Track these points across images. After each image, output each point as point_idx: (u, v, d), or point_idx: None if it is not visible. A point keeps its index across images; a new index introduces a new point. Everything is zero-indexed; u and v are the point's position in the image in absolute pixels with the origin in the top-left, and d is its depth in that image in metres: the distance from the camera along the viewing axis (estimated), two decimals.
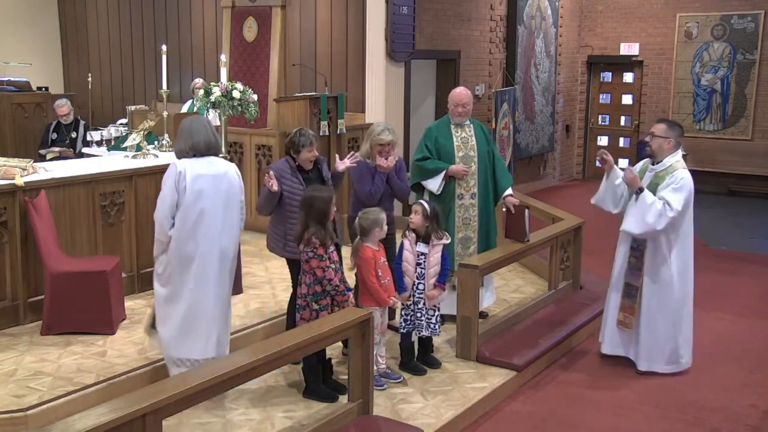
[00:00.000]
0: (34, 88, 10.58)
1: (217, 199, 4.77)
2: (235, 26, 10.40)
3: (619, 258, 5.89)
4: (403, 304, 5.41)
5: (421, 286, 5.36)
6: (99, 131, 9.06)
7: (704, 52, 13.23)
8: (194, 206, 4.70)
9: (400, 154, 6.43)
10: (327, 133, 8.39)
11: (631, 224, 5.58)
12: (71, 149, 9.06)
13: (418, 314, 5.39)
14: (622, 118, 14.40)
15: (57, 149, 9.04)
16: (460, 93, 6.28)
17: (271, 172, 5.20)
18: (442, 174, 6.13)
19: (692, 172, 5.69)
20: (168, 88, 7.28)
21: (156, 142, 7.44)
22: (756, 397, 5.49)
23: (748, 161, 13.04)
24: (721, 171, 13.12)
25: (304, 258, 4.78)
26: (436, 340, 5.77)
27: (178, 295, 4.79)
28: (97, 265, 5.69)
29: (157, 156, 6.85)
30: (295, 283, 5.20)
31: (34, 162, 6.15)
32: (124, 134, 8.60)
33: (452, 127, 6.28)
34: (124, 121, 9.30)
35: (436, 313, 5.44)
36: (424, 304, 5.38)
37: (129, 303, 6.08)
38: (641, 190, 5.55)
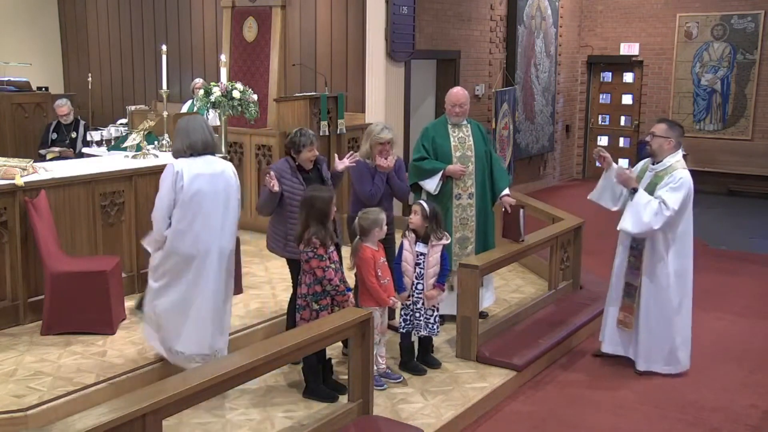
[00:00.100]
0: (34, 88, 10.58)
1: (215, 198, 4.81)
2: (235, 26, 10.40)
3: (619, 257, 5.89)
4: (402, 304, 5.41)
5: (420, 286, 5.36)
6: (99, 131, 9.05)
7: (704, 52, 13.23)
8: (192, 205, 4.73)
9: (400, 155, 6.44)
10: (327, 133, 8.39)
11: (628, 223, 5.58)
12: (71, 149, 9.06)
13: (417, 314, 5.39)
14: (622, 118, 14.40)
15: (57, 149, 9.04)
16: (457, 93, 6.28)
17: (272, 173, 5.20)
18: (440, 174, 6.14)
19: (692, 172, 5.69)
20: (168, 88, 7.28)
21: (156, 142, 7.44)
22: (756, 397, 5.49)
23: (748, 161, 13.04)
24: (721, 171, 13.12)
25: (304, 258, 4.79)
26: (436, 340, 5.77)
27: (172, 292, 4.85)
28: (97, 265, 5.69)
29: (157, 156, 6.85)
30: (296, 284, 5.20)
31: (34, 162, 6.15)
32: (124, 134, 8.59)
33: (449, 127, 6.29)
34: (124, 121, 9.30)
35: (435, 313, 5.44)
36: (423, 304, 5.38)
37: (129, 303, 6.08)
38: (635, 189, 5.56)
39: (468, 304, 5.74)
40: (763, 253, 9.47)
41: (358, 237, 5.14)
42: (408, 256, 5.37)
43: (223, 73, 7.68)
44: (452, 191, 6.23)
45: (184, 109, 9.33)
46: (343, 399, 4.83)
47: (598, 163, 5.76)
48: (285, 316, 5.68)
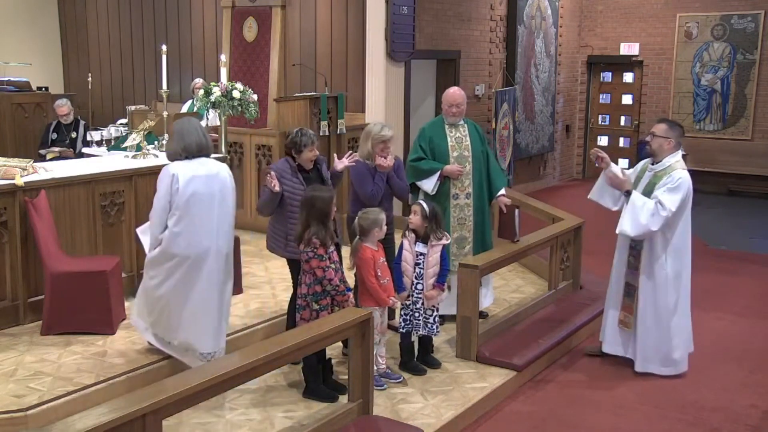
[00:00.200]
0: (34, 88, 10.58)
1: (210, 200, 4.87)
2: (235, 26, 10.40)
3: (618, 257, 5.90)
4: (402, 304, 5.41)
5: (420, 286, 5.36)
6: (99, 131, 9.06)
7: (704, 52, 13.23)
8: (187, 207, 4.80)
9: (399, 155, 6.44)
10: (327, 133, 8.39)
11: (626, 226, 5.58)
12: (71, 149, 9.06)
13: (416, 314, 5.39)
14: (622, 118, 14.40)
15: (57, 149, 9.05)
16: (454, 93, 6.29)
17: (273, 173, 5.20)
18: (437, 174, 6.15)
19: (692, 172, 5.68)
20: (168, 88, 7.28)
21: (156, 142, 7.45)
22: (756, 397, 5.49)
23: (748, 161, 13.04)
24: (721, 171, 13.12)
25: (304, 258, 4.79)
26: (436, 340, 5.77)
27: (167, 290, 4.93)
28: (97, 265, 5.69)
29: (157, 156, 6.85)
30: (296, 284, 5.21)
31: (34, 162, 6.15)
32: (124, 134, 8.60)
33: (446, 127, 6.30)
34: (124, 121, 9.30)
35: (435, 313, 5.44)
36: (422, 304, 5.38)
37: (129, 303, 6.07)
38: (629, 192, 5.56)
39: (468, 304, 5.74)
40: (763, 253, 9.46)
41: (357, 237, 5.14)
42: (408, 256, 5.37)
43: (223, 73, 7.68)
44: (450, 191, 6.24)
45: (184, 109, 9.33)
46: (343, 399, 4.83)
47: (597, 163, 5.76)
48: (285, 316, 5.68)
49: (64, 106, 9.17)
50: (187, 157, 4.89)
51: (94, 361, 5.16)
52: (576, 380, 5.75)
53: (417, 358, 5.57)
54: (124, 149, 7.41)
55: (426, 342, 5.62)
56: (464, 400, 5.10)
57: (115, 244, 6.34)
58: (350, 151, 6.12)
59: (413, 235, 5.40)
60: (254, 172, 8.76)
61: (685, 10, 13.31)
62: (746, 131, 13.09)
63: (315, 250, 4.73)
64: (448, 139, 6.26)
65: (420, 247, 5.37)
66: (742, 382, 5.75)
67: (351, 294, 4.91)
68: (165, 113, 7.32)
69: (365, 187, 5.65)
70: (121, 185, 6.34)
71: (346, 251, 5.30)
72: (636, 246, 5.73)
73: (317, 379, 4.97)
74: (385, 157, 5.65)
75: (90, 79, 11.37)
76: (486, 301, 6.45)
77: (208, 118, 9.06)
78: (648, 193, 5.57)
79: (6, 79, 10.16)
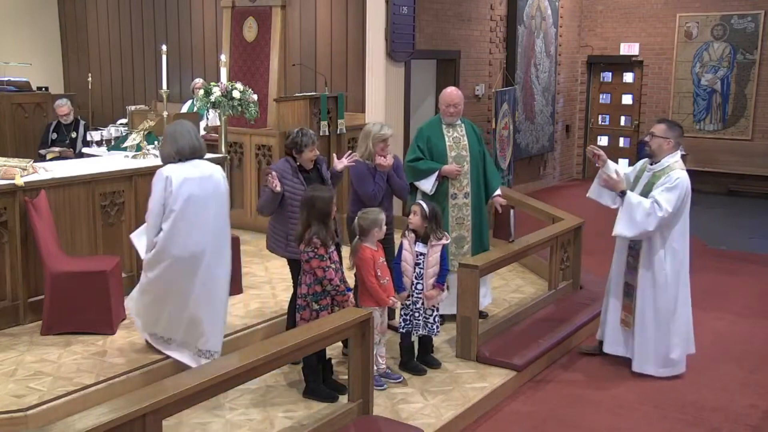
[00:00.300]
0: (34, 88, 10.57)
1: (204, 202, 4.92)
2: (235, 26, 10.39)
3: (617, 257, 5.90)
4: (402, 304, 5.41)
5: (420, 286, 5.36)
6: (99, 131, 9.06)
7: (704, 52, 13.23)
8: (182, 209, 4.85)
9: (400, 155, 6.44)
10: (327, 133, 8.39)
11: (622, 227, 5.58)
12: (71, 149, 9.06)
13: (416, 314, 5.39)
14: (622, 118, 14.40)
15: (57, 149, 9.05)
16: (451, 93, 6.30)
17: (274, 173, 5.21)
18: (436, 174, 6.16)
19: (692, 172, 5.68)
20: (168, 88, 7.28)
21: (156, 142, 7.44)
22: (756, 397, 5.49)
23: (748, 161, 13.04)
24: (721, 171, 13.11)
25: (304, 258, 4.79)
26: (436, 340, 5.77)
27: (162, 289, 5.00)
28: (97, 265, 5.69)
29: (157, 156, 6.84)
30: (296, 284, 5.21)
31: (34, 162, 6.15)
32: (124, 134, 8.60)
33: (444, 127, 6.30)
34: (124, 121, 9.30)
35: (435, 313, 5.44)
36: (422, 303, 5.38)
37: (127, 300, 6.07)
38: (624, 193, 5.57)
39: (468, 304, 5.74)
40: (763, 253, 9.46)
41: (357, 237, 5.14)
42: (407, 256, 5.37)
43: (223, 73, 7.67)
44: (448, 191, 6.25)
45: (184, 109, 9.33)
46: (343, 399, 4.83)
47: (597, 163, 5.77)
48: (285, 316, 5.68)
49: (64, 106, 9.18)
50: (180, 160, 4.94)
51: (94, 361, 5.16)
52: (576, 380, 5.75)
53: (417, 358, 5.57)
54: (124, 149, 7.41)
55: (426, 342, 5.62)
56: (464, 400, 5.10)
57: (115, 244, 6.34)
58: (350, 151, 6.12)
59: (413, 235, 5.40)
60: (254, 172, 8.76)
61: (685, 10, 13.31)
62: (746, 131, 13.09)
63: (316, 250, 4.73)
64: (446, 139, 6.27)
65: (420, 247, 5.37)
66: (742, 382, 5.75)
67: (351, 294, 4.91)
68: (165, 113, 7.32)
69: (366, 186, 5.65)
70: (121, 185, 6.34)
71: (346, 251, 5.30)
72: (635, 246, 5.73)
73: (317, 379, 4.97)
74: (385, 157, 5.66)
75: (90, 79, 11.37)
76: (485, 301, 6.45)
77: (208, 118, 9.07)
78: (647, 193, 5.57)
79: (6, 79, 10.16)
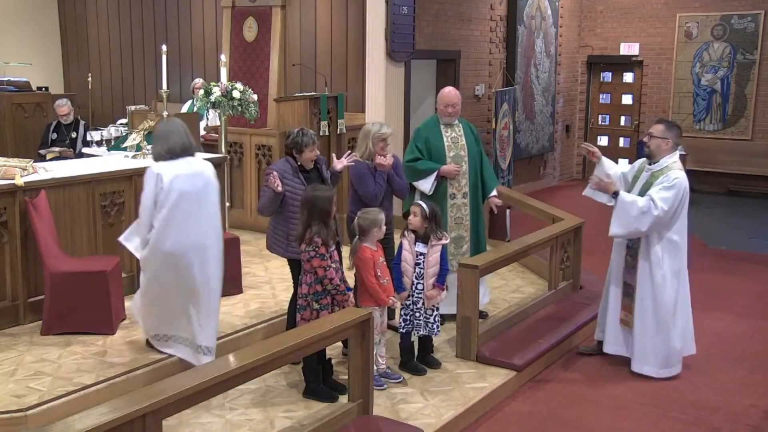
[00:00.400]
0: (34, 88, 10.58)
1: (195, 198, 4.97)
2: (235, 26, 10.40)
3: (615, 256, 5.90)
4: (402, 304, 5.41)
5: (420, 286, 5.36)
6: (99, 131, 9.06)
7: (704, 52, 13.23)
8: (173, 206, 4.89)
9: (400, 155, 6.45)
10: (327, 133, 8.39)
11: (616, 227, 5.59)
12: (71, 149, 9.07)
13: (417, 314, 5.39)
14: (622, 118, 14.40)
15: (57, 149, 9.05)
16: (449, 93, 6.30)
17: (275, 173, 5.21)
18: (434, 174, 6.16)
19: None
20: (168, 88, 7.28)
21: None
22: (756, 397, 5.49)
23: (748, 161, 13.04)
24: (721, 171, 13.11)
25: (305, 258, 4.79)
26: (436, 340, 5.77)
27: (158, 287, 5.05)
28: (97, 265, 5.70)
29: None
30: (296, 284, 5.21)
31: (34, 162, 6.15)
32: (124, 134, 8.60)
33: (442, 127, 6.31)
34: (124, 121, 9.31)
35: (435, 312, 5.44)
36: (423, 303, 5.38)
37: (129, 303, 6.07)
38: (616, 193, 5.57)
39: (468, 304, 5.74)
40: (763, 253, 9.46)
41: (357, 237, 5.14)
42: (407, 257, 5.37)
43: (223, 73, 7.68)
44: (447, 191, 6.25)
45: (184, 109, 9.34)
46: (343, 399, 4.83)
47: (592, 160, 5.80)
48: (285, 316, 5.68)
49: (64, 106, 9.18)
50: (171, 158, 4.98)
51: (94, 361, 5.16)
52: (576, 380, 5.75)
53: (417, 358, 5.57)
54: (124, 149, 7.41)
55: (426, 342, 5.62)
56: (464, 400, 5.10)
57: (115, 244, 6.30)
58: (349, 151, 6.13)
59: (413, 235, 5.40)
60: (254, 172, 8.76)
61: (685, 10, 13.31)
62: (746, 131, 13.08)
63: (317, 249, 4.73)
64: (444, 139, 6.27)
65: (420, 247, 5.36)
66: (742, 382, 5.75)
67: (351, 294, 4.91)
68: (165, 113, 7.32)
69: (367, 186, 5.65)
70: (121, 185, 6.34)
71: (345, 251, 5.30)
72: (633, 245, 5.74)
73: (317, 379, 4.97)
74: (385, 156, 5.66)
75: (90, 79, 11.37)
76: (483, 300, 6.45)
77: (208, 118, 9.08)
78: (645, 193, 5.57)
79: (6, 79, 10.17)
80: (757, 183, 12.98)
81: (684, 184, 5.52)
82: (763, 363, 6.10)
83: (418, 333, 5.48)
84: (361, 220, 5.11)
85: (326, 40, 10.01)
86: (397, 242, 5.66)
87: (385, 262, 5.21)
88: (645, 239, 5.63)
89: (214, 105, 7.47)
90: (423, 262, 5.35)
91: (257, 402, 4.91)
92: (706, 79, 13.26)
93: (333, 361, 5.19)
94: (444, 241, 5.41)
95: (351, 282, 5.21)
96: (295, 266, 5.23)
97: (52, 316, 5.54)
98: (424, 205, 5.37)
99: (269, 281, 6.99)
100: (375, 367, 4.97)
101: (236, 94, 7.45)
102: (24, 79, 10.43)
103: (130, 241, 5.25)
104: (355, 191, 5.76)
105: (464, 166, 6.27)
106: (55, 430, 3.18)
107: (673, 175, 5.51)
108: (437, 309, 5.46)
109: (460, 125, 6.37)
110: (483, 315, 6.35)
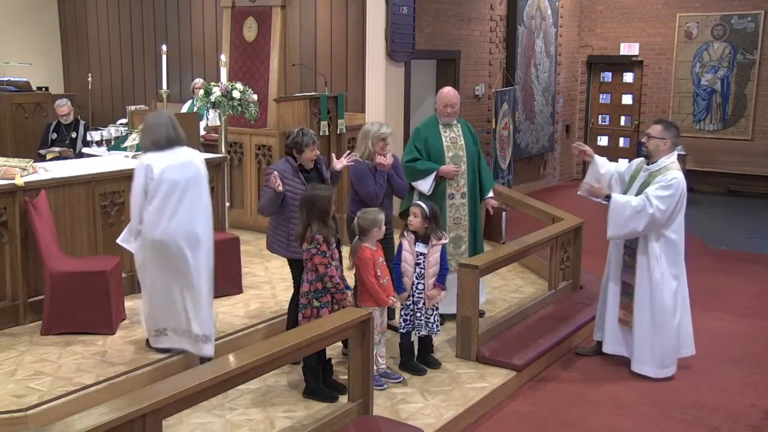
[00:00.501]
0: (34, 88, 10.59)
1: (184, 188, 5.02)
2: (235, 26, 10.40)
3: (612, 256, 5.90)
4: (403, 305, 5.41)
5: (420, 286, 5.36)
6: (99, 131, 9.07)
7: (704, 52, 13.23)
8: (164, 196, 4.96)
9: (399, 155, 6.44)
10: (327, 133, 8.40)
11: (612, 228, 5.59)
12: (71, 149, 9.07)
13: (418, 314, 5.39)
14: (622, 118, 14.40)
15: (57, 149, 9.05)
16: (448, 93, 6.31)
17: (276, 173, 5.21)
18: (433, 174, 6.17)
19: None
20: (168, 88, 7.30)
21: None
22: (756, 397, 5.49)
23: (748, 161, 13.04)
24: (721, 171, 13.11)
25: (307, 256, 4.80)
26: (436, 340, 5.77)
27: (152, 277, 5.12)
28: (97, 265, 5.70)
29: None
30: (297, 284, 5.22)
31: (34, 162, 6.15)
32: (124, 134, 8.61)
33: (440, 127, 6.32)
34: (124, 121, 9.31)
35: (435, 312, 5.44)
36: (424, 303, 5.38)
37: (129, 303, 6.08)
38: (608, 197, 5.58)
39: (468, 304, 5.73)
40: (763, 253, 9.46)
41: (357, 237, 5.14)
42: (408, 257, 5.37)
43: (223, 73, 7.68)
44: (446, 191, 6.26)
45: (184, 109, 9.34)
46: (343, 399, 4.83)
47: (585, 159, 5.82)
48: (285, 316, 5.68)
49: (64, 106, 9.18)
50: (157, 150, 5.05)
51: (94, 361, 5.16)
52: (576, 380, 5.75)
53: (417, 358, 5.57)
54: (124, 149, 7.41)
55: (426, 342, 5.62)
56: (464, 400, 5.10)
57: (115, 244, 6.31)
58: (349, 151, 6.13)
59: (412, 236, 5.39)
60: (254, 172, 8.76)
61: (685, 10, 13.31)
62: (746, 131, 13.08)
63: (318, 246, 4.74)
64: (443, 140, 6.28)
65: (420, 248, 5.36)
66: (742, 382, 5.75)
67: (350, 293, 4.92)
68: None
69: (367, 186, 5.65)
70: (121, 185, 6.34)
71: (345, 251, 5.30)
72: (630, 245, 5.74)
73: (317, 379, 4.97)
74: (385, 156, 5.66)
75: (90, 79, 11.38)
76: (480, 299, 6.45)
77: (208, 118, 9.08)
78: (642, 193, 5.57)
79: (6, 79, 10.17)
80: (757, 183, 12.98)
81: (682, 185, 5.52)
82: (763, 363, 6.10)
83: (419, 333, 5.48)
84: (360, 220, 5.11)
85: (326, 40, 10.01)
86: (396, 242, 5.66)
87: (384, 262, 5.21)
88: (643, 238, 5.63)
89: (214, 105, 7.47)
90: (423, 262, 5.35)
91: (257, 402, 4.91)
92: (706, 79, 13.26)
93: (333, 361, 5.19)
94: (444, 241, 5.42)
95: (351, 282, 5.21)
96: (296, 266, 5.23)
97: (52, 316, 5.54)
98: (423, 206, 5.37)
99: (269, 281, 6.99)
100: (375, 367, 4.97)
101: (236, 94, 7.45)
102: (24, 79, 10.44)
103: (129, 242, 5.28)
104: (355, 191, 5.76)
105: (463, 166, 6.27)
106: (55, 430, 3.18)
107: (670, 175, 5.51)
108: (437, 309, 5.46)
109: (459, 125, 6.37)
110: (480, 314, 6.34)
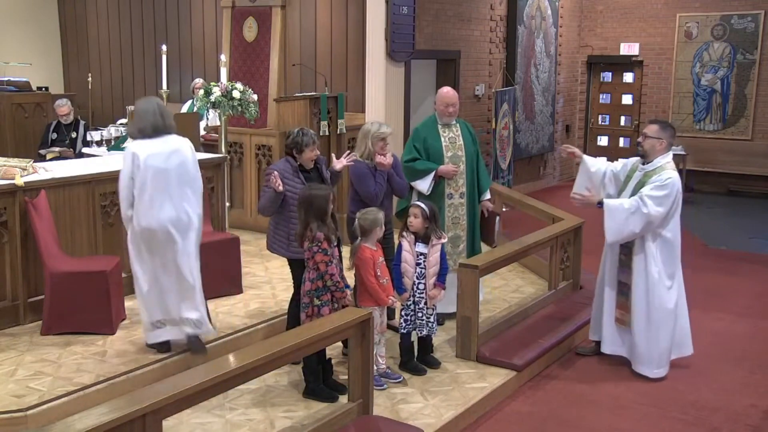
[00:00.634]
0: (34, 88, 10.59)
1: (170, 174, 5.07)
2: (235, 26, 10.40)
3: (608, 256, 5.90)
4: (403, 305, 5.41)
5: (421, 286, 5.36)
6: (99, 131, 9.06)
7: (704, 52, 13.23)
8: (148, 183, 5.00)
9: (398, 155, 6.45)
10: (327, 133, 8.40)
11: (610, 233, 5.60)
12: (71, 149, 9.07)
13: (419, 314, 5.40)
14: (622, 118, 14.40)
15: (57, 149, 9.05)
16: (448, 93, 6.31)
17: (276, 173, 5.21)
18: (432, 174, 6.17)
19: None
20: (168, 88, 7.30)
21: None
22: (756, 397, 5.49)
23: (748, 161, 13.04)
24: (721, 171, 13.11)
25: (309, 254, 4.80)
26: (436, 340, 5.77)
27: (144, 266, 5.17)
28: (97, 265, 5.70)
29: None
30: (297, 284, 5.22)
31: (34, 162, 6.16)
32: (124, 134, 8.60)
33: (440, 127, 6.32)
34: (124, 121, 9.31)
35: (434, 312, 5.44)
36: (425, 303, 5.38)
37: (129, 303, 6.08)
38: (601, 203, 5.59)
39: (468, 304, 5.73)
40: (763, 253, 9.46)
41: (359, 238, 5.14)
42: (408, 257, 5.37)
43: (223, 73, 7.69)
44: (444, 191, 6.26)
45: (184, 109, 9.34)
46: (343, 399, 4.83)
47: (575, 161, 5.84)
48: (285, 316, 5.68)
49: (64, 106, 9.18)
50: (144, 137, 5.08)
51: (94, 361, 5.16)
52: (576, 380, 5.75)
53: (417, 358, 5.57)
54: (124, 149, 7.40)
55: (426, 342, 5.62)
56: (464, 400, 5.10)
57: (115, 244, 6.34)
58: (349, 151, 6.13)
59: (412, 236, 5.39)
60: (254, 172, 8.76)
61: (685, 10, 13.31)
62: (746, 131, 13.08)
63: (320, 244, 4.75)
64: (442, 139, 6.28)
65: (420, 248, 5.36)
66: (742, 382, 5.75)
67: (349, 292, 4.92)
68: None
69: (367, 186, 5.65)
70: None
71: (346, 251, 5.30)
72: (627, 244, 5.74)
73: (317, 379, 4.97)
74: (385, 155, 5.66)
75: (90, 79, 11.38)
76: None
77: (208, 118, 9.08)
78: (638, 192, 5.57)
79: (6, 79, 10.18)
80: (757, 183, 12.98)
81: (677, 185, 5.53)
82: (763, 363, 6.10)
83: (420, 333, 5.48)
84: (361, 220, 5.11)
85: (326, 40, 10.01)
86: (395, 242, 5.66)
87: (384, 262, 5.21)
88: (639, 238, 5.63)
89: (214, 105, 7.47)
90: (423, 262, 5.35)
91: (257, 402, 4.91)
92: (706, 79, 13.26)
93: (333, 361, 5.19)
94: (443, 240, 5.42)
95: (351, 282, 5.21)
96: (296, 266, 5.23)
97: (52, 316, 5.54)
98: (423, 206, 5.37)
99: (269, 281, 6.99)
100: (375, 367, 4.97)
101: (236, 94, 7.45)
102: (24, 79, 10.44)
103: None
104: (355, 191, 5.76)
105: (461, 166, 6.28)
106: (55, 430, 3.18)
107: (665, 175, 5.51)
108: (434, 308, 5.47)
109: (458, 125, 6.38)
110: None
